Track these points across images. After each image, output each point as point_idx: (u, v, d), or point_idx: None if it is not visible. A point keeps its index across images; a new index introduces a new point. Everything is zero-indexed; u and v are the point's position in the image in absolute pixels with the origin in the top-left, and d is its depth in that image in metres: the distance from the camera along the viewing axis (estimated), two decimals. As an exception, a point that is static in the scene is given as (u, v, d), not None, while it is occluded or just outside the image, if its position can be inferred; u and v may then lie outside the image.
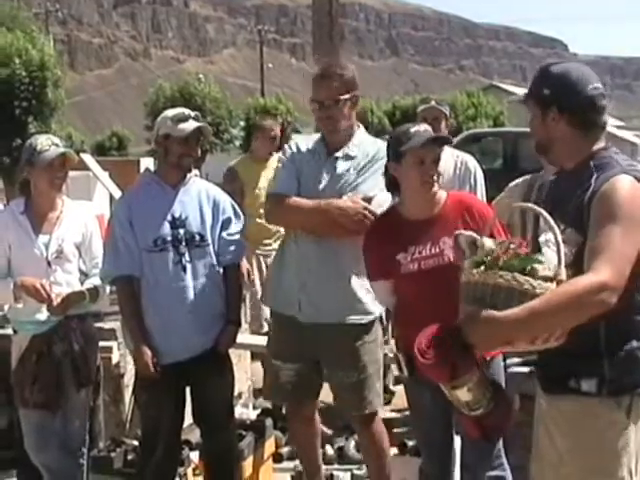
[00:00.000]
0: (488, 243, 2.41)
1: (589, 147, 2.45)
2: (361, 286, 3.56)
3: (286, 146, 3.78)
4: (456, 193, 3.52)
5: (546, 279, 2.25)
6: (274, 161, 6.34)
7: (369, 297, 3.57)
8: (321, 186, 3.57)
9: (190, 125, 3.67)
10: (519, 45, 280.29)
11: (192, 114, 3.74)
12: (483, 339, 2.27)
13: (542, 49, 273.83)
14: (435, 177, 3.24)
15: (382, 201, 3.48)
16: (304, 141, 3.75)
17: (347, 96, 3.58)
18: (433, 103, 4.88)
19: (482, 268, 2.33)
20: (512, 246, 2.35)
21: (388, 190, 3.37)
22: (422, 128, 3.29)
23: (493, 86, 56.08)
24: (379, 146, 3.61)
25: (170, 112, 3.78)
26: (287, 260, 3.67)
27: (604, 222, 2.27)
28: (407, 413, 5.40)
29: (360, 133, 3.70)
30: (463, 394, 2.47)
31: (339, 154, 3.60)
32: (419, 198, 3.29)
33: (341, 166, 3.59)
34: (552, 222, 2.29)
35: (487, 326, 2.22)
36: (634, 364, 2.36)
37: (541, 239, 2.47)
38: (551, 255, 2.32)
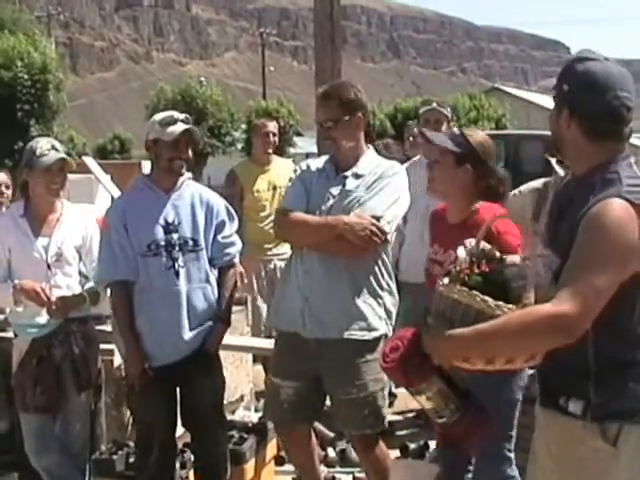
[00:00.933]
0: (461, 254, 2.32)
1: (600, 157, 2.23)
2: (365, 303, 3.50)
3: (297, 165, 3.78)
4: (485, 207, 3.30)
5: (510, 301, 2.15)
6: (274, 164, 6.35)
7: (374, 314, 3.51)
8: (329, 203, 3.52)
9: (178, 128, 3.63)
10: (521, 48, 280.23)
11: (181, 117, 3.69)
12: (435, 352, 2.27)
13: (544, 52, 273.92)
14: (428, 184, 3.30)
15: (391, 218, 3.46)
16: (315, 161, 3.74)
17: (346, 118, 3.51)
18: (435, 105, 4.88)
19: (446, 280, 2.27)
20: (484, 260, 2.26)
21: None
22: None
23: (495, 89, 55.88)
24: (389, 164, 3.60)
25: (158, 116, 3.74)
26: (292, 276, 3.60)
27: (583, 249, 2.11)
28: (409, 415, 5.42)
29: (369, 153, 3.64)
30: (424, 401, 2.45)
31: (348, 173, 3.56)
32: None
33: (350, 183, 3.54)
34: (532, 242, 2.23)
35: (438, 340, 2.22)
36: (623, 392, 2.21)
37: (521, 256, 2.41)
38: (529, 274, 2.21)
